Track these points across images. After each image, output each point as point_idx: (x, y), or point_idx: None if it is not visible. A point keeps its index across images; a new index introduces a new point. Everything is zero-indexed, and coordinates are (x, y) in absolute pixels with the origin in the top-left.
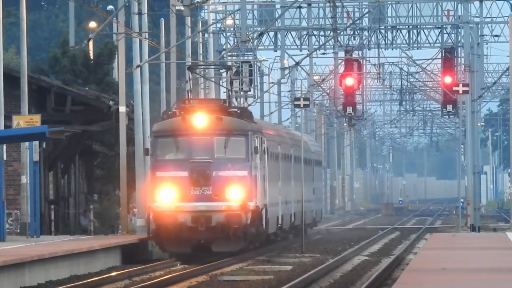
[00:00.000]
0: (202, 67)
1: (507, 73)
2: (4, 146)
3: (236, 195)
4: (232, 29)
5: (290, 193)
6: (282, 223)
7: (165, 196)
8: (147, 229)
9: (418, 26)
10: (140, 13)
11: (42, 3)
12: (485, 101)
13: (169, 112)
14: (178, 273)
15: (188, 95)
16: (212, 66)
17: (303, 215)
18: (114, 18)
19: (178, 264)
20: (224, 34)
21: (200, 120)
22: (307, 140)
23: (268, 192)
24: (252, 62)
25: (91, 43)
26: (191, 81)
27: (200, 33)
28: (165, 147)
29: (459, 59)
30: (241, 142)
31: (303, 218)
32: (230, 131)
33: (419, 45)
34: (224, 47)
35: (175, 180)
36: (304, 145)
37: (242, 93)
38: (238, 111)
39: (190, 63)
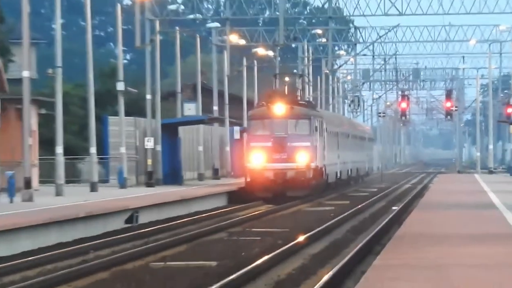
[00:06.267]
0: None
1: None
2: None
3: (302, 158)
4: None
5: (347, 157)
6: (340, 176)
7: (256, 159)
8: (245, 181)
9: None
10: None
11: None
12: None
13: (259, 104)
14: (271, 208)
15: (274, 86)
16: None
17: (357, 170)
18: None
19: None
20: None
21: (279, 108)
22: (363, 125)
23: (326, 156)
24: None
25: None
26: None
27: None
28: (256, 126)
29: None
30: (306, 123)
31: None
32: (299, 116)
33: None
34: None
35: (262, 148)
36: (360, 128)
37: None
38: (305, 103)
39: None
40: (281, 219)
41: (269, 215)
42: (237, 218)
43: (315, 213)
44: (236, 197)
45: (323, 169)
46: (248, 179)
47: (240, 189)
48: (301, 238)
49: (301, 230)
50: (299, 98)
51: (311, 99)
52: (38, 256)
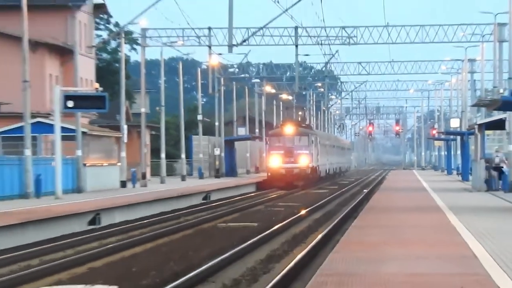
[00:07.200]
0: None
1: None
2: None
3: (304, 161)
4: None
5: (334, 160)
6: (329, 172)
7: (274, 162)
8: (267, 176)
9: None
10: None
11: None
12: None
13: (276, 126)
14: (281, 193)
15: (285, 115)
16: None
17: (341, 168)
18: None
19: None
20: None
21: (288, 129)
22: (344, 139)
23: (319, 159)
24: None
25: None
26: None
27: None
28: (274, 140)
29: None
30: (306, 138)
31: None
32: (301, 133)
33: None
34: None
35: (278, 155)
36: (342, 141)
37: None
38: (306, 126)
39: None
40: (295, 198)
41: (287, 196)
42: (268, 197)
43: (316, 194)
44: (261, 185)
45: (317, 167)
46: (269, 174)
47: (264, 180)
48: (308, 209)
49: (308, 204)
50: (306, 123)
51: (313, 125)
52: (149, 220)
